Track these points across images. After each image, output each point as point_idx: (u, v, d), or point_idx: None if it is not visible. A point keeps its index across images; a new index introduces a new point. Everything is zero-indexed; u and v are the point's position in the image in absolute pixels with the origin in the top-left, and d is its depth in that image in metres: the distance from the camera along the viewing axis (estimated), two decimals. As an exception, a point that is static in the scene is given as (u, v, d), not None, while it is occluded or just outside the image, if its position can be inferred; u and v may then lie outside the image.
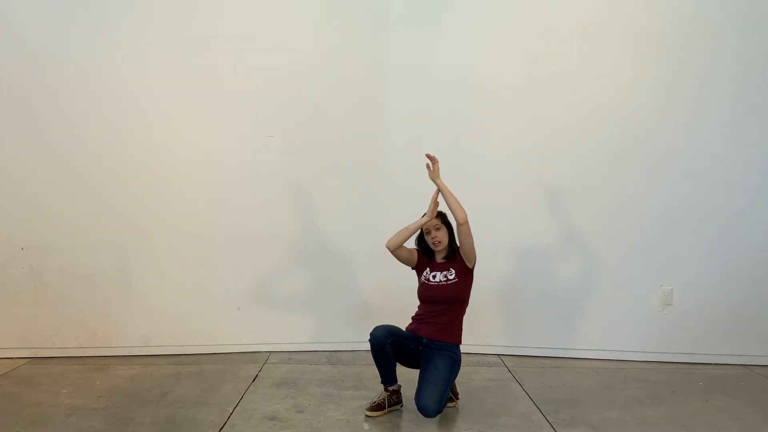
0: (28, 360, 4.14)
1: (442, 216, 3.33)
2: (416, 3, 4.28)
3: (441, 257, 3.34)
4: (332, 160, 4.32)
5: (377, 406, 3.23)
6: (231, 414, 3.20)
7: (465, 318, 4.32)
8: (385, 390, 3.28)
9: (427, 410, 3.05)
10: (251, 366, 4.03)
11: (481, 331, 4.31)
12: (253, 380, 3.75)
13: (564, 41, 4.18)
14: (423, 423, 3.11)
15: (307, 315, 4.38)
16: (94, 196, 4.18)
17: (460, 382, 3.52)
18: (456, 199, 3.19)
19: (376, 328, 3.22)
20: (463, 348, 4.26)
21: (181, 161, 4.22)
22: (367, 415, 3.20)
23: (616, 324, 4.24)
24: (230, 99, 4.23)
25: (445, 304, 3.29)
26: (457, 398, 3.38)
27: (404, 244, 3.32)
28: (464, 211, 3.17)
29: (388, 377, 3.29)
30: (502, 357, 4.26)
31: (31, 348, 4.21)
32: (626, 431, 3.07)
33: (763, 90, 4.10)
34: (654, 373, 3.97)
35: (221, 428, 3.03)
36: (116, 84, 4.14)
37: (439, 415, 3.20)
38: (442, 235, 3.28)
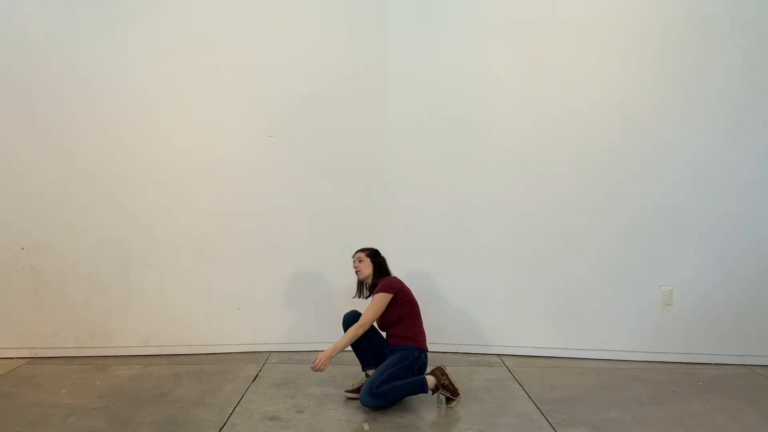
0: (28, 360, 4.14)
1: (367, 250, 3.55)
2: (416, 3, 4.28)
3: (371, 289, 3.53)
4: (332, 160, 4.32)
5: (356, 390, 3.43)
6: (231, 414, 3.20)
7: (464, 317, 4.33)
8: (366, 375, 3.49)
9: (360, 400, 3.23)
10: (251, 366, 4.03)
11: (481, 331, 4.32)
12: (253, 380, 3.75)
13: (564, 41, 4.18)
14: (423, 423, 3.11)
15: (307, 315, 4.38)
16: (94, 196, 4.19)
17: (461, 381, 3.52)
18: (351, 337, 3.30)
19: (349, 311, 3.51)
20: (463, 348, 4.30)
21: (182, 161, 4.23)
22: (346, 397, 3.42)
23: (616, 324, 4.24)
24: (230, 99, 4.23)
25: (383, 329, 3.50)
26: (456, 396, 3.31)
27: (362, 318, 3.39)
28: (361, 327, 3.31)
29: (363, 360, 3.52)
30: (502, 357, 4.25)
31: (31, 348, 4.21)
32: (626, 431, 3.07)
33: (764, 90, 4.09)
34: (654, 373, 3.97)
35: (221, 428, 3.03)
36: (116, 84, 4.15)
37: (437, 415, 3.20)
38: (363, 267, 3.52)
